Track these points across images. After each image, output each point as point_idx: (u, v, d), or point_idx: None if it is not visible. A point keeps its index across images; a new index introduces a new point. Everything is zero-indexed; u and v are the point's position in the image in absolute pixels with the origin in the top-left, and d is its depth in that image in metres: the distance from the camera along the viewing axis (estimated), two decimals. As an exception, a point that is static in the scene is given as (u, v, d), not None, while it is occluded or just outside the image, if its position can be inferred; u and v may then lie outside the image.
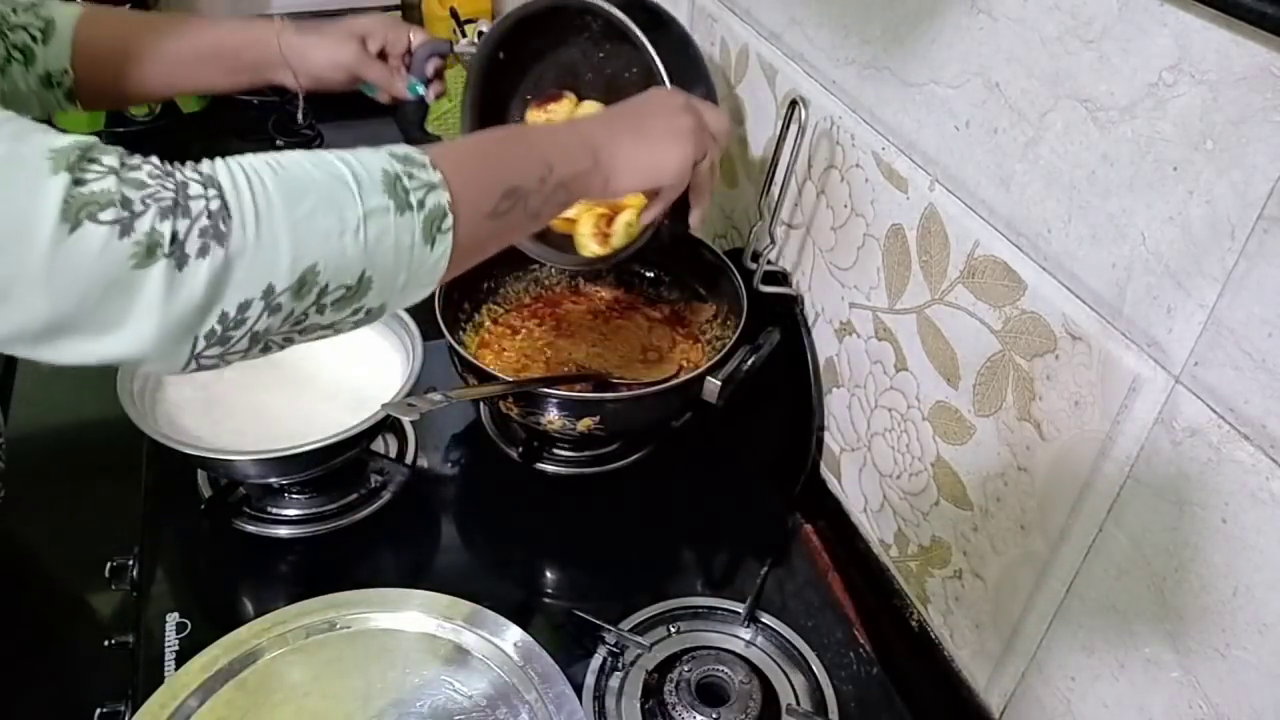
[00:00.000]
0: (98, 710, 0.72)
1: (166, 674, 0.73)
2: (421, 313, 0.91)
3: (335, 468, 0.86)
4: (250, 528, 0.87)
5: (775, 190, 0.83)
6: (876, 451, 0.82)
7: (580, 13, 0.86)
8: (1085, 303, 0.57)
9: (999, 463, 0.66)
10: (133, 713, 0.68)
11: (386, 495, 0.90)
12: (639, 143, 0.68)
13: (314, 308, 0.51)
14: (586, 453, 0.96)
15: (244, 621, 0.73)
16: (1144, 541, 0.55)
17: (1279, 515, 0.47)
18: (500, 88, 0.95)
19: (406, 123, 1.24)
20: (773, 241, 0.86)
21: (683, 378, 0.86)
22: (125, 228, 0.43)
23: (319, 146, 1.57)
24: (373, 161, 0.53)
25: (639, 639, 0.76)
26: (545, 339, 0.99)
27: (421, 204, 0.53)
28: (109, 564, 0.81)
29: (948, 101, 0.66)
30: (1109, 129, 0.53)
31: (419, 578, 0.82)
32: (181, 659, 0.73)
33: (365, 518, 0.88)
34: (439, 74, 0.98)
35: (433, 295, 0.91)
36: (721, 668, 0.74)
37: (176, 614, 0.77)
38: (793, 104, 0.78)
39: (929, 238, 0.70)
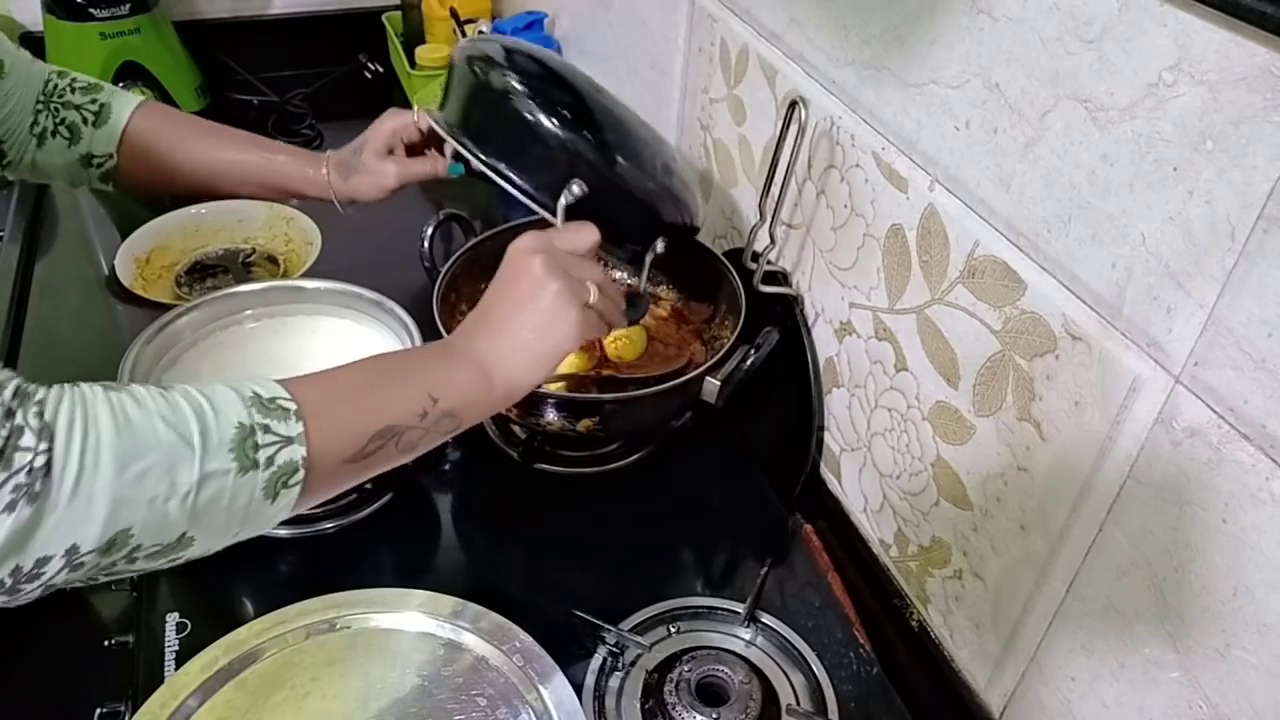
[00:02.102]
0: (98, 710, 0.72)
1: (166, 674, 0.72)
2: (421, 313, 0.91)
3: (335, 468, 0.86)
4: (250, 528, 0.86)
5: (775, 190, 0.83)
6: (876, 451, 0.82)
7: None
8: (1085, 303, 0.57)
9: (999, 463, 0.66)
10: (133, 713, 0.68)
11: (386, 495, 0.90)
12: (528, 340, 0.65)
13: (123, 560, 0.48)
14: (586, 452, 0.96)
15: (244, 621, 0.73)
16: (1144, 541, 0.55)
17: (1279, 515, 0.47)
18: None
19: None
20: (773, 241, 0.86)
21: (682, 378, 0.86)
22: None
23: (318, 147, 1.57)
24: (231, 413, 0.51)
25: (639, 639, 0.76)
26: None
27: (270, 461, 0.51)
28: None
29: (948, 102, 0.66)
30: (1109, 129, 0.53)
31: (419, 578, 0.82)
32: (181, 659, 0.73)
33: (365, 518, 0.88)
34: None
35: (432, 295, 0.92)
36: (721, 668, 0.74)
37: (176, 614, 0.77)
38: (793, 104, 0.78)
39: (929, 238, 0.70)
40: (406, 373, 0.62)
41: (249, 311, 0.96)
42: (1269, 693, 0.49)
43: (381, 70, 1.67)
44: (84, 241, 1.30)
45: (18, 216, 1.26)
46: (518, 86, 0.76)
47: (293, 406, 0.53)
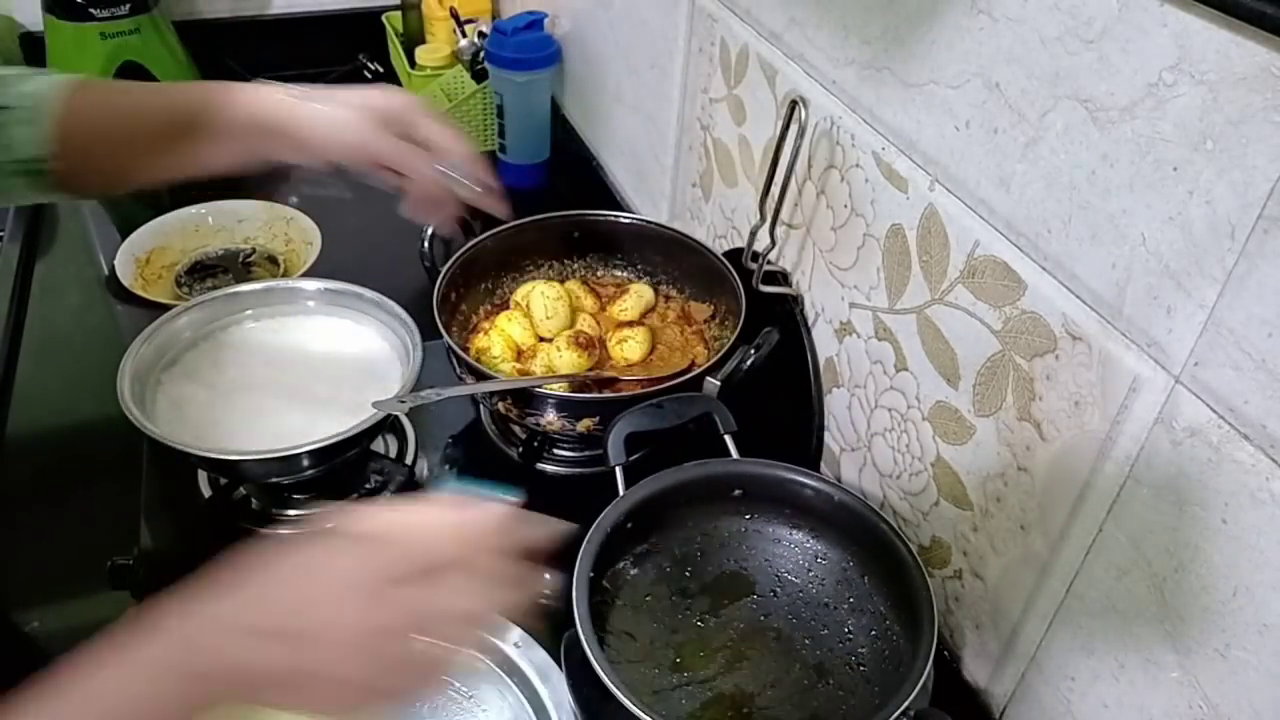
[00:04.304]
0: (98, 710, 0.72)
1: (166, 674, 0.72)
2: (421, 313, 0.91)
3: (335, 468, 0.86)
4: (251, 528, 0.86)
5: (775, 190, 0.83)
6: (876, 451, 0.82)
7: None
8: (1085, 303, 0.57)
9: (999, 463, 0.66)
10: (133, 713, 0.68)
11: (386, 495, 0.90)
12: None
13: None
14: (586, 453, 0.95)
15: (244, 621, 0.73)
16: (1144, 541, 0.55)
17: (1279, 515, 0.47)
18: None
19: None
20: (773, 241, 0.86)
21: (682, 378, 0.86)
22: None
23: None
24: None
25: (639, 639, 0.75)
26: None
27: None
28: (109, 564, 0.81)
29: (948, 102, 0.66)
30: (1109, 129, 0.53)
31: (419, 578, 0.82)
32: (181, 659, 0.72)
33: (365, 518, 0.88)
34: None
35: (432, 295, 0.92)
36: (721, 668, 0.74)
37: (176, 614, 0.77)
38: (793, 104, 0.78)
39: (929, 238, 0.70)
40: None
41: (249, 311, 0.96)
42: (1269, 693, 0.49)
43: (381, 70, 1.67)
44: (84, 241, 1.30)
45: (18, 216, 1.26)
46: None
47: None
